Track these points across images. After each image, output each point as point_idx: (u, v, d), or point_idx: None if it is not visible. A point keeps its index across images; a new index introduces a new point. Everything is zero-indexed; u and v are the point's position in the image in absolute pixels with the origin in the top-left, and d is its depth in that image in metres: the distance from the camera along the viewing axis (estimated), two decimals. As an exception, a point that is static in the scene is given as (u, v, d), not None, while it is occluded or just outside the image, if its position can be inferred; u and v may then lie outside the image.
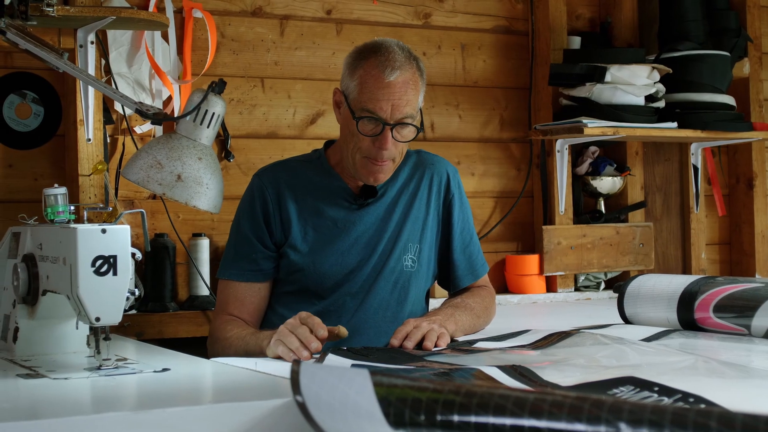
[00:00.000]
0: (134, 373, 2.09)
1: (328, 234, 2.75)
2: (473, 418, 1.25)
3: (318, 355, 2.29)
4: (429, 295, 2.97)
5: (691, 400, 1.61)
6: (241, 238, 2.77)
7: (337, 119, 2.77)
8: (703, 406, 1.57)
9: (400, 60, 2.63)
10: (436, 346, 2.44)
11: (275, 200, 2.76)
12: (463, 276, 2.91)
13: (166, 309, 3.44)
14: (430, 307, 2.94)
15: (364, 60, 2.66)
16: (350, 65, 2.69)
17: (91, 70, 3.24)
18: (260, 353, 2.40)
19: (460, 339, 2.65)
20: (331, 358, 2.22)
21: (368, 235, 2.78)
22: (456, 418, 1.26)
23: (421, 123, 2.73)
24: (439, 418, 1.28)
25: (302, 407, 1.38)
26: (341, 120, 2.74)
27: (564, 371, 2.00)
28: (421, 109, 2.73)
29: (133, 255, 2.18)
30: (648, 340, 2.50)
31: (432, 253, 2.87)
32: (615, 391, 1.74)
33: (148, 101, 3.50)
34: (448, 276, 2.91)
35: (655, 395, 1.67)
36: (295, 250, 2.74)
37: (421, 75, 2.70)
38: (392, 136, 2.63)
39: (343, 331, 2.35)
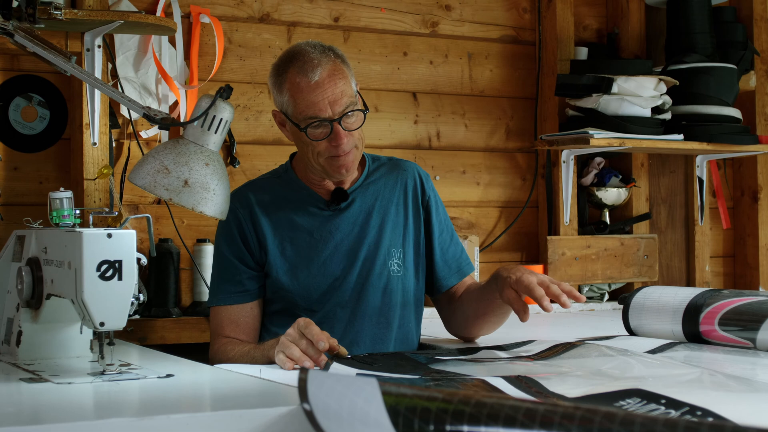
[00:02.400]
0: (138, 378, 2.08)
1: (305, 246, 2.74)
2: (483, 429, 1.25)
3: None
4: (423, 300, 2.93)
5: (699, 413, 1.60)
6: (223, 262, 2.77)
7: (287, 138, 2.78)
8: (711, 419, 1.56)
9: (317, 57, 2.64)
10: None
11: (249, 220, 2.75)
12: (449, 276, 2.88)
13: (169, 314, 3.44)
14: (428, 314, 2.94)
15: (284, 73, 2.66)
16: (275, 84, 2.70)
17: (98, 74, 3.25)
18: (268, 363, 2.39)
19: (465, 346, 2.65)
20: (336, 367, 2.21)
21: (348, 242, 2.76)
22: (466, 428, 1.26)
23: (364, 103, 2.72)
24: (448, 428, 1.27)
25: (310, 415, 1.37)
26: (291, 137, 2.74)
27: (570, 382, 1.99)
28: (359, 92, 2.71)
29: (139, 260, 2.17)
30: (653, 352, 2.49)
31: (419, 256, 2.84)
32: (622, 403, 1.73)
33: (154, 106, 3.49)
34: (434, 277, 2.88)
35: (663, 408, 1.66)
36: (276, 267, 2.72)
37: (342, 60, 2.69)
38: (343, 129, 2.63)
39: (342, 350, 2.33)
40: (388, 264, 2.78)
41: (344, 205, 2.78)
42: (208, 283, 3.48)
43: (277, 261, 2.72)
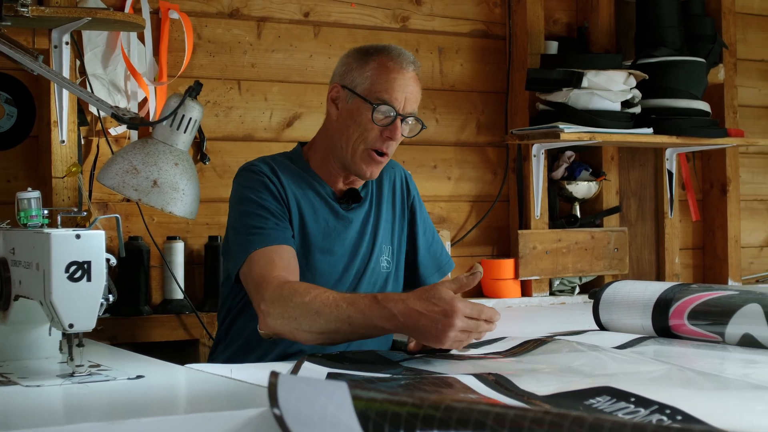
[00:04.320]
0: (108, 380, 2.07)
1: (320, 234, 2.72)
2: (452, 434, 1.25)
3: (294, 362, 2.28)
4: None
5: (668, 411, 1.61)
6: (261, 209, 2.61)
7: (331, 115, 2.75)
8: (680, 417, 1.57)
9: (410, 59, 2.71)
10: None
11: (279, 184, 2.68)
12: (432, 274, 2.93)
13: (139, 313, 3.42)
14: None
15: (374, 55, 2.69)
16: (358, 60, 2.71)
17: (66, 71, 3.22)
18: (373, 331, 2.34)
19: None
20: (307, 366, 2.20)
21: (352, 240, 2.77)
22: (435, 433, 1.26)
23: (423, 125, 2.74)
24: (418, 433, 1.27)
25: (280, 420, 1.37)
26: (341, 113, 2.71)
27: (541, 380, 1.99)
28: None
29: (108, 261, 2.16)
30: (623, 347, 2.49)
31: (401, 253, 2.88)
32: (592, 401, 1.73)
33: (123, 103, 3.47)
34: (416, 276, 2.92)
35: (632, 406, 1.66)
36: (294, 241, 2.66)
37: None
38: (401, 128, 2.66)
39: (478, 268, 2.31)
40: (380, 261, 2.80)
41: (356, 205, 2.79)
42: (179, 281, 3.47)
43: (297, 239, 2.67)
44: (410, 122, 2.70)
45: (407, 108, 2.66)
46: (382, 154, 2.69)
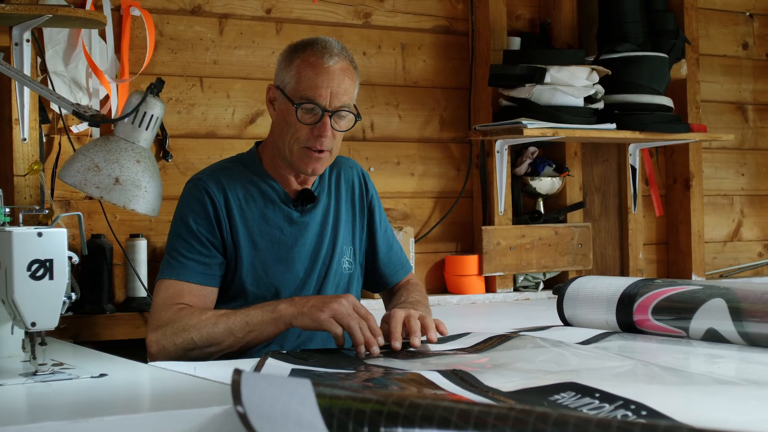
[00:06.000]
0: (71, 379, 2.05)
1: (277, 243, 2.69)
2: (417, 431, 1.25)
3: (257, 359, 2.27)
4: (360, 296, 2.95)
5: (633, 406, 1.61)
6: (192, 238, 2.62)
7: (271, 116, 2.74)
8: (644, 413, 1.57)
9: (337, 49, 2.65)
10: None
11: (222, 205, 2.65)
12: (393, 273, 2.92)
13: (102, 311, 3.40)
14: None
15: (300, 52, 2.66)
16: (286, 58, 2.69)
17: (27, 69, 3.20)
18: (270, 324, 2.39)
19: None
20: (271, 363, 2.20)
21: (311, 242, 2.74)
22: (400, 430, 1.26)
23: (357, 116, 2.71)
24: (383, 430, 1.27)
25: (243, 418, 1.36)
26: (277, 114, 2.70)
27: (505, 376, 1.99)
28: (355, 105, 2.70)
29: (70, 259, 2.15)
30: (587, 342, 2.50)
31: (362, 254, 2.86)
32: (556, 397, 1.73)
33: (84, 100, 3.45)
34: (377, 275, 2.91)
35: (597, 402, 1.66)
36: (245, 263, 2.65)
37: (355, 69, 2.70)
38: (330, 125, 2.62)
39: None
40: (341, 262, 2.78)
41: (310, 206, 2.76)
42: (143, 279, 3.45)
43: (249, 256, 2.65)
44: (345, 114, 2.66)
45: (334, 102, 2.62)
46: (319, 150, 2.66)
